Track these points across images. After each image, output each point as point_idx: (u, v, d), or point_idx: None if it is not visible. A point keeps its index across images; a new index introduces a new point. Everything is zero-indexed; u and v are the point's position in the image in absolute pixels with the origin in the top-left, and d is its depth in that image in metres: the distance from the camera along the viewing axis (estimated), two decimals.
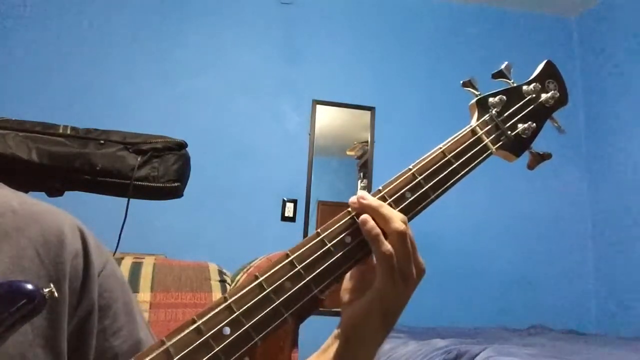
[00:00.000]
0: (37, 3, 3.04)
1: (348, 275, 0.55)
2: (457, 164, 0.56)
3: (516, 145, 0.61)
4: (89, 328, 0.47)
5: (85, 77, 3.00)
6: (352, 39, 3.41)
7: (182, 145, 1.13)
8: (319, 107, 3.25)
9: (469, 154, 0.57)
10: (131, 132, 1.11)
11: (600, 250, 3.29)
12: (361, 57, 3.39)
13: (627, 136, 3.15)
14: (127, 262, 1.08)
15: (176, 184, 1.09)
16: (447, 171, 0.55)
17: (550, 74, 0.64)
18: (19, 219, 0.45)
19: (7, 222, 0.45)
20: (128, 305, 0.51)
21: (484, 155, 0.58)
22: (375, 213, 0.50)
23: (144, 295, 1.02)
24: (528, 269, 3.24)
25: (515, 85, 0.63)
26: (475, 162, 0.57)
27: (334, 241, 0.50)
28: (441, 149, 0.56)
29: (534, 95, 0.63)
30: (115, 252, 1.12)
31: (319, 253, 0.49)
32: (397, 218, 0.50)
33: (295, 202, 3.09)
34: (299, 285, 0.47)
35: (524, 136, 0.61)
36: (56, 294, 0.38)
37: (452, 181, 0.55)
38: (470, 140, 0.58)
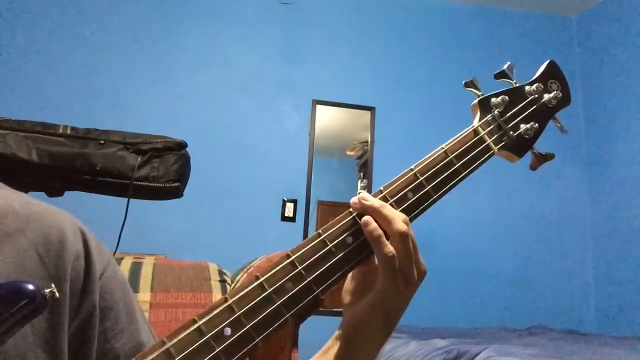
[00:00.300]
0: (37, 3, 3.04)
1: (349, 276, 0.55)
2: (459, 164, 0.56)
3: (518, 146, 0.60)
4: (90, 330, 0.47)
5: (85, 77, 3.00)
6: (352, 39, 3.41)
7: (182, 145, 1.13)
8: (319, 107, 3.25)
9: (471, 155, 0.57)
10: (131, 132, 1.11)
11: (600, 250, 3.29)
12: (361, 57, 3.39)
13: (627, 136, 3.15)
14: (127, 262, 1.08)
15: (176, 184, 1.09)
16: (449, 172, 0.55)
17: (553, 74, 0.64)
18: (20, 220, 0.45)
19: (9, 223, 0.44)
20: (129, 306, 0.51)
21: (487, 155, 0.58)
22: (376, 214, 0.50)
23: (144, 295, 1.02)
24: (528, 269, 3.25)
25: (517, 85, 0.63)
26: (478, 162, 0.57)
27: (335, 242, 0.50)
28: (443, 149, 0.56)
29: (536, 96, 0.62)
30: (115, 252, 1.12)
31: (320, 254, 0.49)
32: (398, 219, 0.49)
33: (295, 202, 3.09)
34: (300, 285, 0.47)
35: (527, 137, 0.61)
36: (57, 295, 0.37)
37: (454, 182, 0.55)
38: (473, 140, 0.58)
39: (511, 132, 0.60)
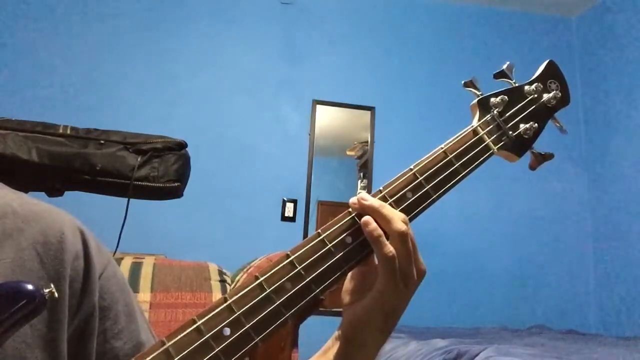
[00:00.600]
0: (37, 3, 3.04)
1: (349, 276, 0.55)
2: (458, 164, 0.56)
3: (518, 146, 0.60)
4: (90, 330, 0.47)
5: (85, 77, 3.00)
6: (352, 39, 3.41)
7: (182, 145, 1.13)
8: (319, 107, 3.25)
9: (471, 154, 0.57)
10: (131, 132, 1.11)
11: (600, 250, 3.29)
12: (361, 57, 3.39)
13: (627, 136, 3.15)
14: (127, 262, 1.08)
15: (176, 184, 1.09)
16: (448, 171, 0.55)
17: (552, 74, 0.64)
18: (20, 220, 0.45)
19: (8, 223, 0.44)
20: (129, 306, 0.51)
21: (486, 155, 0.58)
22: (376, 214, 0.50)
23: (144, 295, 1.02)
24: (528, 269, 3.25)
25: (517, 85, 0.63)
26: (477, 162, 0.57)
27: (334, 242, 0.50)
28: (442, 149, 0.56)
29: (535, 96, 0.62)
30: (115, 252, 1.12)
31: (319, 253, 0.49)
32: (398, 218, 0.49)
33: (295, 202, 3.09)
34: (300, 285, 0.47)
35: (526, 136, 0.61)
36: (56, 295, 0.37)
37: (453, 181, 0.55)
38: (472, 140, 0.58)
39: (510, 132, 0.60)
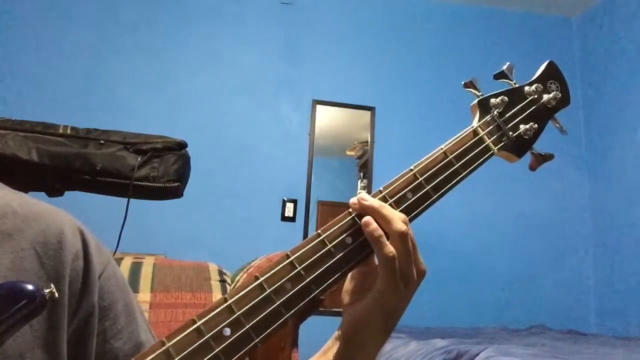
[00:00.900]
0: (37, 3, 3.04)
1: (349, 276, 0.55)
2: (458, 164, 0.56)
3: (518, 146, 0.60)
4: (89, 330, 0.47)
5: (85, 77, 3.00)
6: (352, 39, 3.41)
7: (182, 145, 1.13)
8: (319, 107, 3.25)
9: (471, 155, 0.57)
10: (131, 132, 1.11)
11: (600, 250, 3.29)
12: (361, 57, 3.39)
13: (627, 136, 3.15)
14: (127, 262, 1.08)
15: (176, 184, 1.09)
16: (448, 172, 0.55)
17: (552, 74, 0.64)
18: (20, 220, 0.45)
19: (8, 223, 0.44)
20: (129, 306, 0.51)
21: (486, 156, 0.58)
22: (376, 214, 0.50)
23: (144, 295, 1.02)
24: (528, 269, 3.25)
25: (517, 86, 0.63)
26: (477, 163, 0.57)
27: (334, 242, 0.50)
28: (442, 150, 0.56)
29: (535, 96, 0.62)
30: (115, 252, 1.12)
31: (319, 254, 0.49)
32: (398, 219, 0.50)
33: (295, 202, 3.09)
34: (300, 286, 0.47)
35: (526, 137, 0.61)
36: (56, 295, 0.38)
37: (453, 182, 0.55)
38: (472, 141, 0.58)
39: (510, 133, 0.60)
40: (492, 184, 3.14)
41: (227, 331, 0.43)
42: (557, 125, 0.64)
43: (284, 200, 3.09)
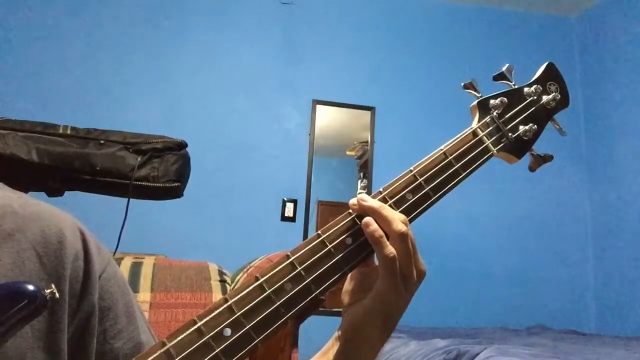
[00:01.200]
0: (37, 3, 3.04)
1: (349, 276, 0.55)
2: (458, 165, 0.56)
3: (517, 147, 0.61)
4: (90, 330, 0.47)
5: (85, 77, 3.00)
6: (352, 39, 3.41)
7: (182, 145, 1.13)
8: (319, 107, 3.25)
9: (470, 156, 0.57)
10: (131, 132, 1.11)
11: (600, 250, 3.29)
12: (361, 57, 3.39)
13: (627, 136, 3.15)
14: (127, 262, 1.08)
15: (176, 184, 1.09)
16: (448, 173, 0.55)
17: (552, 75, 0.64)
18: (20, 220, 0.45)
19: (8, 223, 0.45)
20: (129, 307, 0.51)
21: (485, 157, 0.58)
22: (376, 215, 0.50)
23: (144, 296, 1.02)
24: (528, 269, 3.25)
25: (516, 87, 0.63)
26: (477, 163, 0.57)
27: (334, 242, 0.50)
28: (442, 151, 0.56)
29: (535, 97, 0.63)
30: (115, 252, 1.12)
31: (319, 254, 0.49)
32: (398, 219, 0.50)
33: (295, 202, 3.09)
34: (300, 286, 0.47)
35: (525, 138, 0.61)
36: (57, 295, 0.38)
37: (453, 183, 0.55)
38: (472, 141, 0.58)
39: (510, 134, 0.60)
40: (491, 184, 3.14)
41: (228, 331, 0.44)
42: (557, 126, 0.64)
43: (284, 200, 3.09)
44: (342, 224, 0.51)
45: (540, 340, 2.36)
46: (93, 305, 0.47)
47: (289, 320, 0.46)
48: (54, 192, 1.03)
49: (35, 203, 0.48)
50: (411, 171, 0.55)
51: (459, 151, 0.57)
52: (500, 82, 0.63)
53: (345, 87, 3.32)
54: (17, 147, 0.97)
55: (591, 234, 3.37)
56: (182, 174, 1.10)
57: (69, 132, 1.04)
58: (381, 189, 0.53)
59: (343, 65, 3.36)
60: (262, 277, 0.47)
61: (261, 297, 0.46)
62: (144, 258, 1.13)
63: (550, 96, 0.63)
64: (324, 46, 3.37)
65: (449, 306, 3.06)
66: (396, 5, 3.52)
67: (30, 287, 0.36)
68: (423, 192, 0.54)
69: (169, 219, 2.75)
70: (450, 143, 0.57)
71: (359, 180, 3.29)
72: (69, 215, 0.49)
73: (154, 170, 1.06)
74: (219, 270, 1.13)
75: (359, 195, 0.51)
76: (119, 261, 1.07)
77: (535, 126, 0.61)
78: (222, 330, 0.43)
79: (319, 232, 0.50)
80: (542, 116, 0.63)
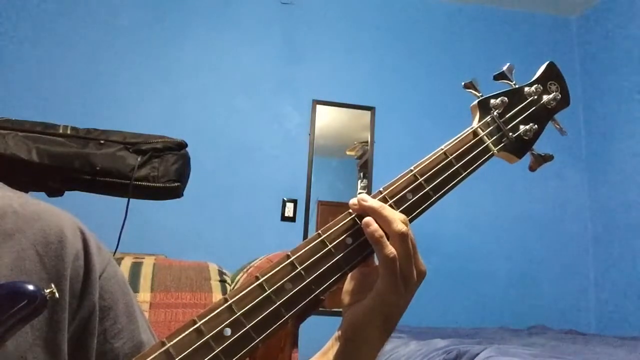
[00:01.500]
0: (37, 3, 3.04)
1: (349, 276, 0.55)
2: (458, 165, 0.56)
3: (518, 147, 0.61)
4: (90, 330, 0.47)
5: (85, 77, 3.00)
6: (352, 39, 3.41)
7: (182, 145, 1.13)
8: (319, 107, 3.25)
9: (471, 156, 0.57)
10: (131, 132, 1.11)
11: (600, 250, 3.29)
12: (361, 57, 3.39)
13: (627, 136, 3.15)
14: (127, 262, 1.08)
15: (176, 184, 1.09)
16: (448, 172, 0.55)
17: (552, 75, 0.64)
18: (20, 220, 0.45)
19: (8, 223, 0.44)
20: (129, 306, 0.51)
21: (486, 156, 0.58)
22: (376, 215, 0.50)
23: (144, 295, 1.02)
24: (528, 269, 3.25)
25: (517, 86, 0.63)
26: (477, 163, 0.57)
27: (335, 242, 0.50)
28: (443, 150, 0.56)
29: (535, 97, 0.63)
30: (115, 252, 1.12)
31: (319, 254, 0.49)
32: (398, 219, 0.50)
33: (295, 202, 3.09)
34: (300, 286, 0.47)
35: (526, 138, 0.61)
36: (57, 295, 0.38)
37: (453, 183, 0.55)
38: (472, 141, 0.58)
39: (510, 134, 0.60)
40: (491, 184, 3.14)
41: (228, 331, 0.43)
42: (557, 126, 0.64)
43: (284, 200, 3.09)
44: (342, 223, 0.51)
45: (540, 340, 2.36)
46: (93, 304, 0.47)
47: (289, 320, 0.46)
48: (54, 192, 1.03)
49: (35, 203, 0.48)
50: (411, 171, 0.55)
51: (460, 151, 0.57)
52: (500, 81, 0.63)
53: (345, 87, 3.32)
54: (17, 147, 0.97)
55: (591, 234, 3.37)
56: (182, 174, 1.10)
57: (69, 132, 1.04)
58: (381, 189, 0.53)
59: (343, 65, 3.36)
60: (263, 276, 0.47)
61: (261, 297, 0.46)
62: (144, 258, 1.13)
63: (551, 96, 0.63)
64: (324, 46, 3.37)
65: (449, 306, 3.06)
66: (396, 5, 3.52)
67: (30, 287, 0.36)
68: (423, 192, 0.54)
69: (169, 219, 2.75)
70: (451, 143, 0.57)
71: (359, 180, 3.29)
72: (69, 215, 0.49)
73: (154, 170, 1.06)
74: (219, 270, 1.13)
75: (359, 195, 0.51)
76: (119, 261, 1.07)
77: (536, 126, 0.61)
78: (222, 330, 0.43)
79: (319, 231, 0.50)
80: (543, 116, 0.63)
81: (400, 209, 0.53)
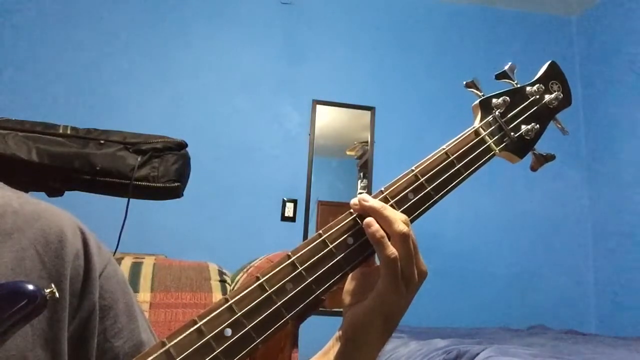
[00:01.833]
0: (37, 3, 3.04)
1: (350, 276, 0.55)
2: (460, 165, 0.56)
3: (519, 147, 0.60)
4: (90, 329, 0.47)
5: (85, 77, 3.00)
6: (352, 39, 3.41)
7: (182, 145, 1.13)
8: (319, 107, 3.25)
9: (472, 155, 0.57)
10: (131, 132, 1.11)
11: (600, 250, 3.29)
12: (361, 57, 3.39)
13: (627, 136, 3.15)
14: (127, 262, 1.08)
15: (176, 184, 1.09)
16: (450, 172, 0.55)
17: (554, 75, 0.64)
18: (20, 219, 0.45)
19: (8, 222, 0.44)
20: (129, 306, 0.51)
21: (488, 156, 0.58)
22: (377, 215, 0.50)
23: (144, 295, 1.01)
24: (528, 269, 3.25)
25: (518, 86, 0.63)
26: (479, 163, 0.57)
27: (335, 242, 0.50)
28: (444, 150, 0.56)
29: (537, 97, 0.62)
30: (115, 252, 1.12)
31: (320, 254, 0.49)
32: (399, 220, 0.49)
33: (295, 202, 3.09)
34: (301, 286, 0.47)
35: (528, 137, 0.61)
36: (57, 295, 0.37)
37: (455, 182, 0.55)
38: (474, 141, 0.57)
39: (512, 133, 0.60)
40: (492, 184, 3.14)
41: (228, 332, 0.43)
42: (559, 125, 0.64)
43: (284, 200, 3.09)
44: (343, 223, 0.51)
45: (540, 340, 2.36)
46: (93, 304, 0.47)
47: (289, 320, 0.46)
48: (54, 192, 1.02)
49: (35, 202, 0.48)
50: (413, 171, 0.54)
51: (461, 151, 0.56)
52: (502, 80, 0.63)
53: (345, 87, 3.32)
54: (17, 147, 0.97)
55: (591, 234, 3.37)
56: (182, 174, 1.10)
57: (69, 132, 1.04)
58: (382, 189, 0.53)
59: (343, 65, 3.36)
60: (263, 277, 0.46)
61: (262, 297, 0.45)
62: (144, 258, 1.12)
63: (553, 95, 0.63)
64: (324, 46, 3.37)
65: (449, 306, 3.06)
66: (396, 5, 3.52)
67: (30, 287, 0.36)
68: (425, 191, 0.54)
69: (169, 219, 2.75)
70: (452, 142, 0.57)
71: (359, 180, 3.29)
72: (69, 215, 0.49)
73: (154, 170, 1.06)
74: (219, 270, 1.13)
75: (360, 195, 0.51)
76: (119, 261, 1.07)
77: (538, 125, 0.61)
78: (222, 330, 0.43)
79: (320, 231, 0.50)
80: (545, 115, 0.62)
81: (402, 209, 0.52)
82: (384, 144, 3.24)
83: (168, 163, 1.09)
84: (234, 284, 1.10)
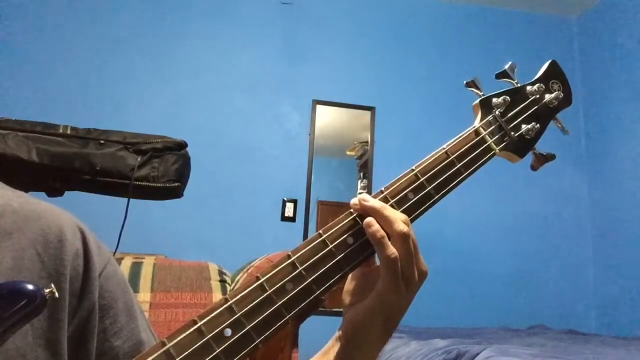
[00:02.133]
0: (38, 3, 3.04)
1: (350, 276, 0.54)
2: (460, 164, 0.56)
3: (520, 146, 0.60)
4: (90, 328, 0.47)
5: (85, 77, 3.00)
6: (352, 39, 3.41)
7: (182, 145, 1.13)
8: (319, 107, 3.25)
9: (473, 155, 0.57)
10: (131, 132, 1.11)
11: (600, 250, 3.29)
12: (361, 57, 3.39)
13: (627, 136, 3.15)
14: (127, 262, 1.08)
15: (176, 184, 1.09)
16: (450, 172, 0.55)
17: (554, 74, 0.64)
18: (20, 219, 0.45)
19: (8, 222, 0.44)
20: (129, 305, 0.51)
21: (488, 156, 0.58)
22: (377, 215, 0.50)
23: (144, 295, 1.01)
24: (528, 269, 3.25)
25: (519, 85, 0.62)
26: (479, 162, 0.57)
27: (336, 242, 0.49)
28: (444, 150, 0.56)
29: (537, 96, 0.62)
30: (115, 252, 1.12)
31: (320, 254, 0.49)
32: (399, 220, 0.49)
33: (295, 202, 3.09)
34: (301, 286, 0.47)
35: (528, 137, 0.60)
36: (57, 295, 0.37)
37: (455, 182, 0.55)
38: (474, 140, 0.57)
39: (512, 133, 0.60)
40: (491, 183, 3.14)
41: (228, 332, 0.43)
42: (559, 125, 0.64)
43: (284, 200, 3.09)
44: (343, 223, 0.51)
45: (540, 340, 2.36)
46: (93, 303, 0.47)
47: (289, 320, 0.46)
48: (54, 192, 1.02)
49: (35, 202, 0.48)
50: (413, 170, 0.54)
51: (461, 150, 0.56)
52: (502, 80, 0.62)
53: (345, 87, 3.32)
54: (17, 147, 0.97)
55: (591, 234, 3.37)
56: (182, 174, 1.10)
57: (69, 132, 1.04)
58: (382, 189, 0.53)
59: (343, 65, 3.36)
60: (263, 277, 0.46)
61: (262, 297, 0.45)
62: (144, 258, 1.12)
63: (553, 95, 0.62)
64: (324, 46, 3.37)
65: (449, 306, 3.06)
66: (396, 5, 3.51)
67: (30, 287, 0.36)
68: (425, 191, 0.54)
69: (169, 219, 2.75)
70: (452, 142, 0.57)
71: (359, 180, 3.29)
72: (69, 214, 0.49)
73: (154, 170, 1.06)
74: (219, 270, 1.13)
75: (360, 195, 0.51)
76: (119, 261, 1.07)
77: (538, 125, 0.61)
78: (222, 330, 0.43)
79: (320, 231, 0.50)
80: (545, 115, 0.62)
81: (402, 208, 0.52)
82: (384, 144, 3.24)
83: (168, 163, 1.09)
84: (234, 284, 1.10)
